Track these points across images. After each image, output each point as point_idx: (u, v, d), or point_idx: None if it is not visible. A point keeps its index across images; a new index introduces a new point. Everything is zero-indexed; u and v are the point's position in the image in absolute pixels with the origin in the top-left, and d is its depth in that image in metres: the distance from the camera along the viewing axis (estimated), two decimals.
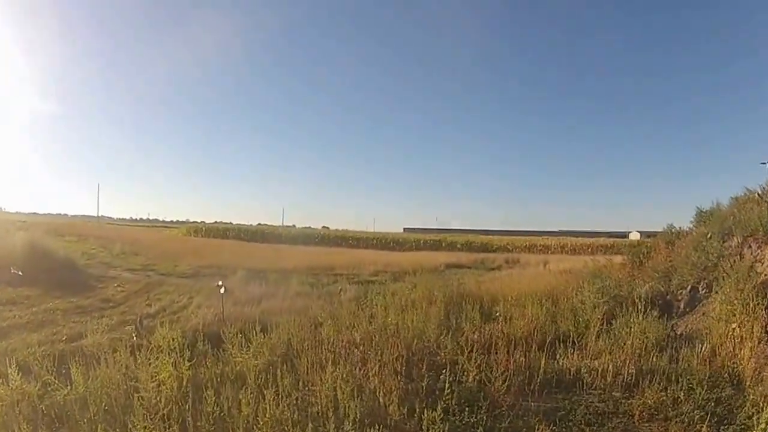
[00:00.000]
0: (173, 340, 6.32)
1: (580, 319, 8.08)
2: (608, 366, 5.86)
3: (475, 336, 7.03)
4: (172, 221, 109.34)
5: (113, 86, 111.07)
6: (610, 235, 68.00)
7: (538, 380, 5.50)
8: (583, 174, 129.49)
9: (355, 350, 5.77)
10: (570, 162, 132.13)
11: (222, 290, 8.49)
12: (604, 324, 7.71)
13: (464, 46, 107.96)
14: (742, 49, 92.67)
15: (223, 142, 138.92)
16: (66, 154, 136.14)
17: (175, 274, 18.38)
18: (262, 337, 6.45)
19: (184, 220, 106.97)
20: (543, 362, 5.89)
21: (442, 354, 6.23)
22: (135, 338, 7.21)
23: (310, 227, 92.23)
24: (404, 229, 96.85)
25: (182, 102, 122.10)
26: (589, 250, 41.24)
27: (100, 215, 79.71)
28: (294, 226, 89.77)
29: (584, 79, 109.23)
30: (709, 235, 10.30)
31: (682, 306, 9.11)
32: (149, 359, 5.16)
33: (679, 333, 7.94)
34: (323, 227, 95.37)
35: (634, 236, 79.34)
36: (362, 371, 5.19)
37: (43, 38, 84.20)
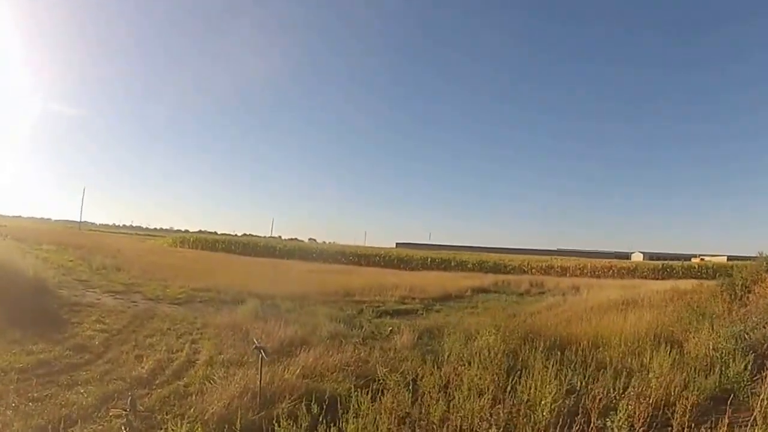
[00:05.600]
0: None
1: (730, 373, 6.23)
2: None
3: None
4: (155, 229, 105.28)
5: (103, 90, 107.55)
6: (616, 255, 66.26)
7: None
8: (575, 193, 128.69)
9: None
10: (559, 181, 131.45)
11: (261, 354, 5.55)
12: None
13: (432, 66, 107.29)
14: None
15: (208, 150, 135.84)
16: (52, 157, 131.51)
17: (166, 300, 15.32)
18: None
19: (167, 228, 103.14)
20: None
21: None
22: None
23: (296, 239, 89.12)
24: (396, 244, 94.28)
25: (168, 111, 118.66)
26: (611, 272, 38.90)
27: (82, 221, 76.63)
28: (280, 237, 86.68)
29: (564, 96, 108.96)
30: None
31: None
32: None
33: None
34: (310, 239, 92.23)
35: (637, 257, 77.90)
36: None
37: (47, 39, 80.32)
